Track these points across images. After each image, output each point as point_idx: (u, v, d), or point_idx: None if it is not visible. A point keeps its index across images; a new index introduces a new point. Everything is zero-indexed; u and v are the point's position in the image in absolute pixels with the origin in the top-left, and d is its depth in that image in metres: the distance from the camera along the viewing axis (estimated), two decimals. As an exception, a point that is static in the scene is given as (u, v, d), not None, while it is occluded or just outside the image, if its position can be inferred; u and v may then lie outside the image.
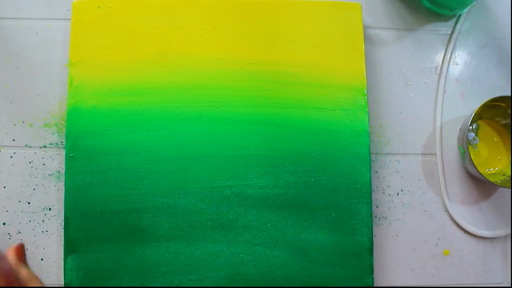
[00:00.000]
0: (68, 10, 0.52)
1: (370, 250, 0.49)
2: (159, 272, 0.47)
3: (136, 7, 0.51)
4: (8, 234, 0.50)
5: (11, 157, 0.51)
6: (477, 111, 0.50)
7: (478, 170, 0.49)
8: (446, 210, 0.53)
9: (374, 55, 0.55)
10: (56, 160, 0.51)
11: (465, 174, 0.54)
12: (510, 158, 0.53)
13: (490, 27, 0.57)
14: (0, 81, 0.51)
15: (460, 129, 0.53)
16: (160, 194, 0.48)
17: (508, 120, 0.53)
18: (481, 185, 0.54)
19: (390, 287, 0.52)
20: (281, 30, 0.51)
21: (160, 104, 0.49)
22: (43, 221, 0.50)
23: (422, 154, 0.54)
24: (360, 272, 0.48)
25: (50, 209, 0.50)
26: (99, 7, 0.51)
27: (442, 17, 0.56)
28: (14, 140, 0.51)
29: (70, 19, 0.51)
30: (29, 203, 0.50)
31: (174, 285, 0.47)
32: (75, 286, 0.47)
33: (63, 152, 0.50)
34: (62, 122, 0.51)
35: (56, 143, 0.51)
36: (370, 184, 0.49)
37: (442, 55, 0.56)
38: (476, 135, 0.54)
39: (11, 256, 0.46)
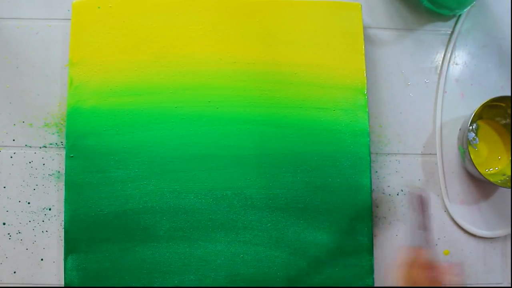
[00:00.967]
0: (68, 10, 0.52)
1: (370, 250, 0.49)
2: (159, 272, 0.47)
3: (136, 7, 0.51)
4: (8, 234, 0.50)
5: (11, 157, 0.51)
6: (477, 111, 0.50)
7: (478, 170, 0.49)
8: (446, 210, 0.53)
9: (374, 55, 0.55)
10: (56, 160, 0.51)
11: (465, 174, 0.54)
12: (510, 158, 0.53)
13: (490, 27, 0.57)
14: (0, 81, 0.51)
15: (460, 129, 0.53)
16: (160, 194, 0.48)
17: (508, 120, 0.53)
18: (481, 185, 0.54)
19: (390, 287, 0.52)
20: (281, 30, 0.51)
21: (160, 104, 0.49)
22: (43, 221, 0.50)
23: (422, 154, 0.54)
24: (360, 272, 0.48)
25: (50, 209, 0.50)
26: (99, 7, 0.51)
27: (442, 17, 0.56)
28: (14, 140, 0.51)
29: (70, 19, 0.51)
30: (29, 203, 0.50)
31: (174, 285, 0.47)
32: (75, 286, 0.47)
33: (63, 152, 0.50)
34: (62, 122, 0.51)
35: (56, 143, 0.51)
36: (370, 184, 0.49)
37: (442, 55, 0.56)
38: (476, 135, 0.54)
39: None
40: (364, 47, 0.52)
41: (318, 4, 0.52)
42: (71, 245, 0.47)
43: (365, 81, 0.51)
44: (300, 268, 0.48)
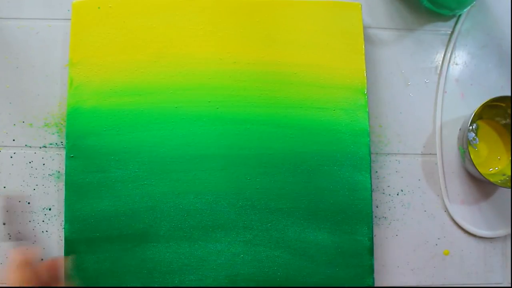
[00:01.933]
0: (68, 10, 0.52)
1: (370, 250, 0.49)
2: (159, 272, 0.47)
3: (136, 7, 0.51)
4: (8, 234, 0.50)
5: (11, 157, 0.51)
6: (477, 111, 0.50)
7: (478, 170, 0.49)
8: (446, 210, 0.53)
9: (374, 55, 0.55)
10: (56, 160, 0.51)
11: (465, 174, 0.54)
12: (510, 158, 0.53)
13: (490, 27, 0.57)
14: (0, 81, 0.51)
15: (460, 129, 0.53)
16: (160, 194, 0.48)
17: (508, 120, 0.53)
18: (481, 185, 0.54)
19: (390, 287, 0.52)
20: (281, 30, 0.51)
21: (160, 104, 0.49)
22: (43, 221, 0.50)
23: (422, 154, 0.54)
24: (360, 272, 0.48)
25: (50, 209, 0.50)
26: (99, 7, 0.51)
27: (442, 17, 0.56)
28: (14, 140, 0.51)
29: (70, 19, 0.51)
30: (29, 203, 0.50)
31: (174, 285, 0.47)
32: (76, 286, 0.47)
33: (63, 152, 0.50)
34: (62, 122, 0.51)
35: (56, 143, 0.51)
36: (370, 184, 0.49)
37: (442, 55, 0.56)
38: (476, 135, 0.54)
39: (45, 271, 0.41)
40: (364, 47, 0.52)
41: (318, 4, 0.52)
42: (71, 245, 0.47)
43: (365, 81, 0.51)
44: (300, 268, 0.48)
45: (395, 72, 0.55)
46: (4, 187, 0.50)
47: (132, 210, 0.48)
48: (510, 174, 0.52)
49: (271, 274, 0.48)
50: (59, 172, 0.51)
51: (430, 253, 0.53)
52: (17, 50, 0.52)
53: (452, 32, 0.56)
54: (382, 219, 0.53)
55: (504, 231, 0.53)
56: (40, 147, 0.51)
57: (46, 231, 0.50)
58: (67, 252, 0.47)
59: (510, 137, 0.53)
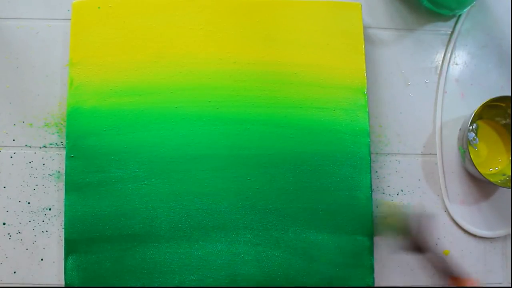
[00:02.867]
0: (68, 10, 0.52)
1: (370, 250, 0.49)
2: (159, 272, 0.47)
3: (136, 7, 0.51)
4: (8, 234, 0.50)
5: (11, 157, 0.51)
6: (477, 111, 0.50)
7: (478, 170, 0.49)
8: (446, 210, 0.53)
9: (374, 55, 0.55)
10: (56, 160, 0.51)
11: (465, 174, 0.54)
12: (510, 158, 0.53)
13: (490, 27, 0.57)
14: (0, 81, 0.51)
15: (460, 129, 0.53)
16: (160, 194, 0.48)
17: (508, 120, 0.53)
18: (481, 185, 0.54)
19: (390, 287, 0.52)
20: (281, 30, 0.51)
21: (160, 104, 0.49)
22: (43, 221, 0.50)
23: (422, 154, 0.54)
24: (360, 272, 0.48)
25: (50, 209, 0.50)
26: (99, 7, 0.51)
27: (442, 17, 0.56)
28: (14, 140, 0.51)
29: (70, 19, 0.51)
30: (29, 203, 0.50)
31: (174, 285, 0.47)
32: (76, 286, 0.47)
33: (63, 152, 0.50)
34: (62, 122, 0.51)
35: (56, 143, 0.51)
36: (370, 184, 0.49)
37: (442, 55, 0.56)
38: (476, 135, 0.54)
39: None
40: (364, 47, 0.52)
41: (318, 4, 0.52)
42: (71, 245, 0.47)
43: (365, 81, 0.51)
44: (300, 268, 0.48)
45: (395, 72, 0.55)
46: (4, 187, 0.50)
47: (132, 210, 0.48)
48: (510, 174, 0.52)
49: (271, 274, 0.48)
50: (59, 172, 0.51)
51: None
52: (17, 50, 0.52)
53: (452, 32, 0.56)
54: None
55: (504, 231, 0.53)
56: (40, 147, 0.51)
57: (46, 231, 0.50)
58: (67, 252, 0.47)
59: (510, 137, 0.53)
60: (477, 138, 0.54)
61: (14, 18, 0.53)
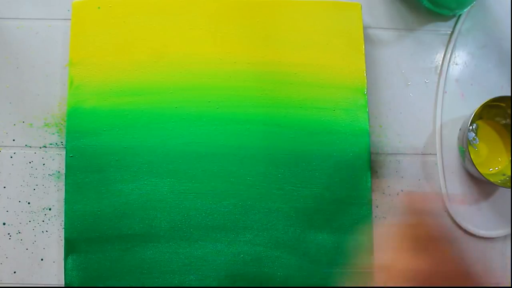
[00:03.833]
0: (68, 10, 0.52)
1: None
2: (159, 272, 0.47)
3: (136, 7, 0.51)
4: (8, 234, 0.50)
5: (11, 157, 0.51)
6: (477, 111, 0.50)
7: (478, 170, 0.49)
8: (446, 210, 0.53)
9: (374, 55, 0.55)
10: (56, 160, 0.51)
11: (465, 174, 0.54)
12: (510, 158, 0.53)
13: (490, 27, 0.57)
14: (0, 81, 0.51)
15: (460, 129, 0.53)
16: (160, 194, 0.48)
17: (508, 120, 0.53)
18: (481, 185, 0.54)
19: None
20: (281, 30, 0.51)
21: (160, 104, 0.49)
22: (43, 221, 0.50)
23: (422, 154, 0.54)
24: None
25: (50, 209, 0.50)
26: (99, 7, 0.51)
27: (442, 17, 0.56)
28: (14, 140, 0.51)
29: (70, 19, 0.51)
30: (29, 203, 0.50)
31: (174, 285, 0.47)
32: (76, 286, 0.47)
33: (63, 152, 0.50)
34: (62, 122, 0.51)
35: (56, 143, 0.51)
36: (370, 184, 0.49)
37: (442, 55, 0.56)
38: (476, 135, 0.54)
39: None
40: (364, 47, 0.52)
41: (318, 4, 0.52)
42: (71, 245, 0.47)
43: (365, 81, 0.51)
44: (300, 268, 0.48)
45: (395, 72, 0.55)
46: (4, 187, 0.50)
47: (132, 210, 0.48)
48: (510, 174, 0.52)
49: (271, 274, 0.48)
50: (59, 172, 0.51)
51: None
52: (17, 50, 0.52)
53: (452, 32, 0.56)
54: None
55: (504, 231, 0.53)
56: (40, 147, 0.51)
57: (46, 231, 0.50)
58: (67, 252, 0.47)
59: (510, 137, 0.53)
60: (477, 138, 0.54)
61: (14, 18, 0.53)
